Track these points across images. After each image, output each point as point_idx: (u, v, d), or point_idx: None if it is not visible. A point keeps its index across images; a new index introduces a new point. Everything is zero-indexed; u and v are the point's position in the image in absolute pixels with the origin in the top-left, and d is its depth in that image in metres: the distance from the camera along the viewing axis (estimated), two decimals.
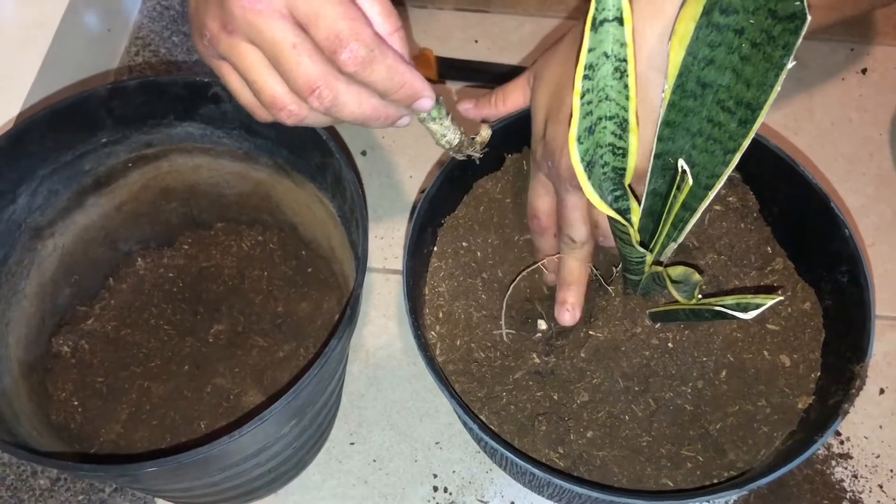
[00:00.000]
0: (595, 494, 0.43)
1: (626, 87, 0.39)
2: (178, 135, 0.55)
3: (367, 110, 0.41)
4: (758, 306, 0.40)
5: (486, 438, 0.44)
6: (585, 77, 0.38)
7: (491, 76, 0.77)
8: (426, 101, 0.42)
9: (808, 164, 0.73)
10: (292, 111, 0.40)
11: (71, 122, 0.52)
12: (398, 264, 0.68)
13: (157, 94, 0.53)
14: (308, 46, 0.38)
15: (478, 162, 0.49)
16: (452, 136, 0.46)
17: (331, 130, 0.71)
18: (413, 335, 0.47)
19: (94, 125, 0.53)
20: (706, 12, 0.39)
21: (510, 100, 0.53)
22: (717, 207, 0.54)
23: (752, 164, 0.54)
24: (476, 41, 0.80)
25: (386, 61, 0.39)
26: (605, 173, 0.42)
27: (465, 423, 0.47)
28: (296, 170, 0.55)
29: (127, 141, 0.55)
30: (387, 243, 0.69)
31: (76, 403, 0.55)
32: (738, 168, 0.55)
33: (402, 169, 0.73)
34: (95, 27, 0.74)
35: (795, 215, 0.53)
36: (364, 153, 0.73)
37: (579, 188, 0.47)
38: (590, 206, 0.48)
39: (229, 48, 0.40)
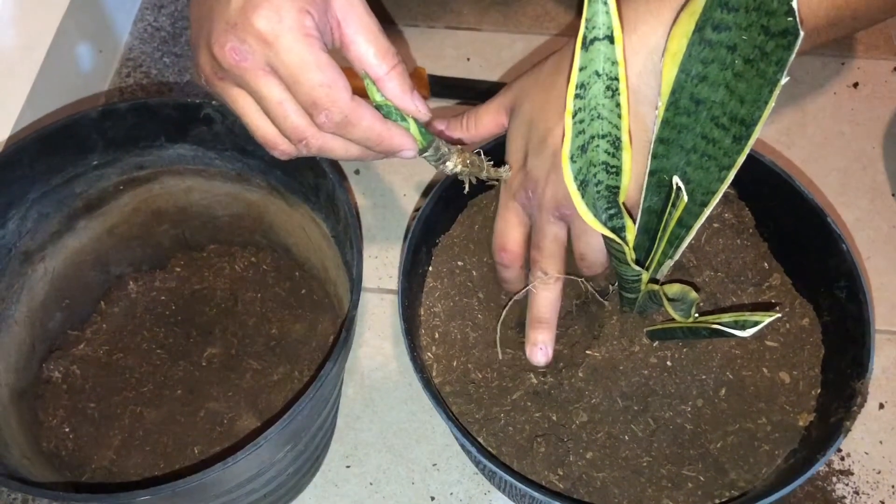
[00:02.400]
0: None
1: (618, 105, 0.39)
2: (170, 156, 0.55)
3: (354, 153, 0.44)
4: (756, 324, 0.39)
5: (485, 461, 0.44)
6: (577, 96, 0.38)
7: (483, 93, 0.77)
8: (407, 152, 0.44)
9: (802, 178, 0.73)
10: (284, 150, 0.43)
11: (61, 146, 0.51)
12: (393, 284, 0.67)
13: (148, 116, 0.52)
14: (292, 104, 0.40)
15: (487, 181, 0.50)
16: (452, 166, 0.47)
17: None
18: (409, 357, 0.47)
19: (84, 148, 0.53)
20: (698, 29, 0.38)
21: (482, 125, 0.52)
22: (714, 224, 0.54)
23: (747, 181, 0.54)
24: (468, 59, 0.80)
25: (362, 123, 0.41)
26: (598, 192, 0.42)
27: (462, 446, 0.46)
28: (289, 190, 0.55)
29: (118, 163, 0.54)
30: (381, 263, 0.69)
31: (67, 430, 0.54)
32: (733, 184, 0.55)
33: (396, 188, 0.72)
34: (86, 49, 0.74)
35: (792, 231, 0.52)
36: (357, 172, 0.73)
37: (562, 219, 0.46)
38: (578, 238, 0.47)
39: (223, 91, 0.42)
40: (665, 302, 0.42)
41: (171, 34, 0.80)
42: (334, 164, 0.71)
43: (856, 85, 0.79)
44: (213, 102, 0.52)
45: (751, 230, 0.54)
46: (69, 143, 0.52)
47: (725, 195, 0.55)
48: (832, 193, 0.72)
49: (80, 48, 0.73)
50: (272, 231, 0.59)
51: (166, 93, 0.76)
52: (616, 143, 0.41)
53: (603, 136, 0.40)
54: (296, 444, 0.48)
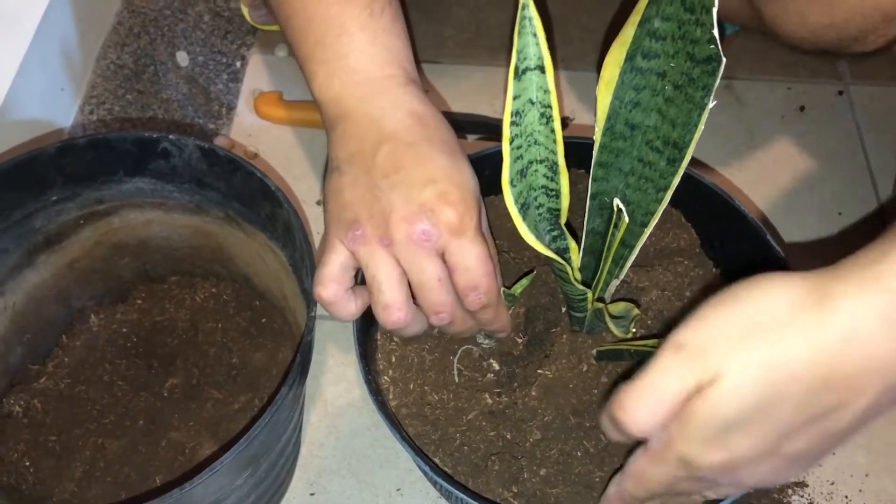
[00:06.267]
0: None
1: (552, 131, 0.41)
2: (129, 190, 0.56)
3: (468, 326, 0.49)
4: None
5: (440, 481, 0.45)
6: (513, 123, 0.39)
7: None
8: (503, 334, 0.51)
9: (751, 200, 0.75)
10: (400, 318, 0.45)
11: (20, 182, 0.52)
12: None
13: (107, 150, 0.53)
14: (448, 283, 0.45)
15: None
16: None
17: (280, 182, 0.72)
18: (364, 380, 0.48)
19: (43, 183, 0.53)
20: (630, 57, 0.40)
21: None
22: (660, 245, 0.56)
23: (691, 202, 0.56)
24: (427, 91, 0.82)
25: (498, 308, 0.47)
26: (540, 214, 0.43)
27: (419, 466, 0.47)
28: (246, 220, 0.56)
29: (77, 198, 0.55)
30: None
31: (28, 464, 0.54)
32: (678, 206, 0.57)
33: None
34: (49, 86, 0.74)
35: (735, 249, 0.54)
36: (320, 202, 0.74)
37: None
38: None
39: (371, 253, 0.45)
40: (607, 318, 0.43)
41: (133, 71, 0.81)
42: (290, 194, 0.72)
43: (802, 108, 0.81)
44: (171, 136, 0.53)
45: (697, 250, 0.56)
46: (28, 178, 0.52)
47: (670, 216, 0.56)
48: (781, 214, 0.74)
49: (43, 85, 0.74)
50: (232, 261, 0.60)
51: (129, 128, 0.77)
52: (553, 168, 0.42)
53: (541, 161, 0.42)
54: (255, 470, 0.48)
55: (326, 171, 0.48)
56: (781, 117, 0.81)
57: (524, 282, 0.50)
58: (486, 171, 0.55)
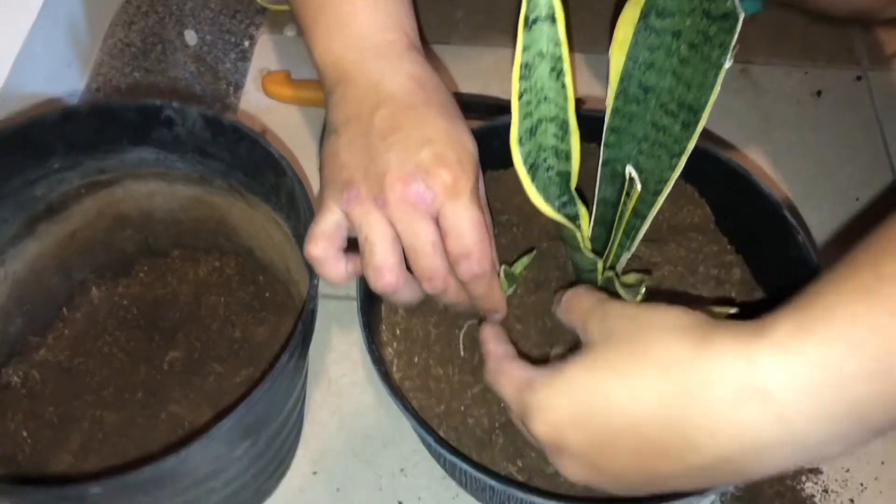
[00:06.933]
0: None
1: (563, 87, 0.40)
2: (132, 160, 0.55)
3: (462, 299, 0.47)
4: None
5: (444, 453, 0.44)
6: (522, 77, 0.38)
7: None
8: (498, 315, 0.49)
9: (765, 180, 0.73)
10: (389, 282, 0.44)
11: (21, 148, 0.51)
12: None
13: (110, 118, 0.53)
14: (441, 249, 0.44)
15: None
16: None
17: (285, 150, 0.71)
18: (367, 349, 0.47)
19: (45, 151, 0.53)
20: (643, 16, 0.39)
21: None
22: (673, 221, 0.54)
23: (705, 178, 0.54)
24: (439, 72, 0.81)
25: (491, 281, 0.46)
26: (549, 177, 0.42)
27: (422, 439, 0.46)
28: (250, 191, 0.55)
29: (79, 167, 0.54)
30: None
31: (25, 435, 0.53)
32: (692, 181, 0.56)
33: None
34: (55, 63, 0.74)
35: (751, 225, 0.53)
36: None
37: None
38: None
39: (365, 213, 0.44)
40: (618, 286, 0.42)
41: (141, 50, 0.81)
42: (296, 164, 0.72)
43: (819, 93, 0.80)
44: (174, 104, 0.52)
45: (711, 226, 0.55)
46: (29, 146, 0.52)
47: (684, 191, 0.55)
48: (797, 199, 0.73)
49: (49, 63, 0.73)
50: (235, 234, 0.59)
51: None
52: (564, 127, 0.41)
53: (551, 120, 0.40)
54: (255, 442, 0.47)
55: (323, 135, 0.47)
56: (798, 102, 0.79)
57: (524, 260, 0.49)
58: (495, 143, 0.55)
